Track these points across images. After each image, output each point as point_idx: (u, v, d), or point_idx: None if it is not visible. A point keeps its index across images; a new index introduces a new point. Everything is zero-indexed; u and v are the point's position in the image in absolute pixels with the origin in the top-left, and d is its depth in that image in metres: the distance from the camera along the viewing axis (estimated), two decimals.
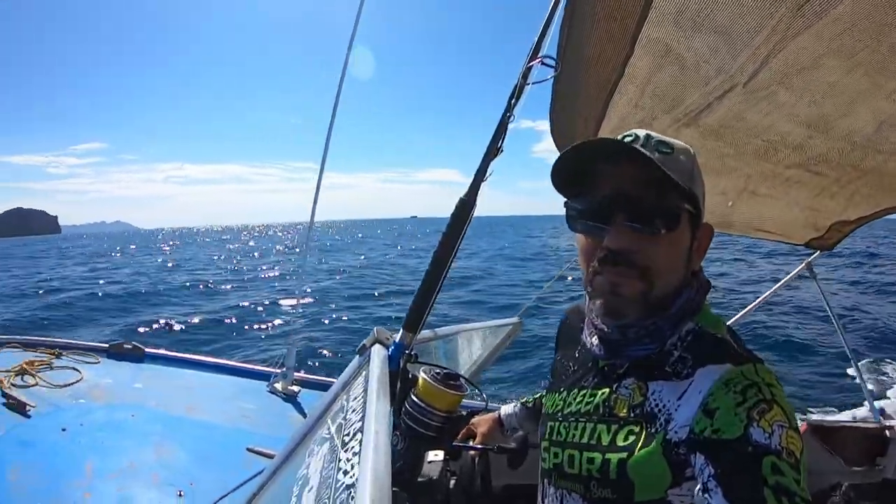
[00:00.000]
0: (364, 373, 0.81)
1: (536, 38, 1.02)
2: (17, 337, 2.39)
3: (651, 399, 0.67)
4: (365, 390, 0.73)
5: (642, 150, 0.65)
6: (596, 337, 0.75)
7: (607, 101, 1.20)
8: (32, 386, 1.85)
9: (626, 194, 0.67)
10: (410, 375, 0.89)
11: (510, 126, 0.96)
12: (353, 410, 0.73)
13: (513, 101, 0.97)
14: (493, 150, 0.95)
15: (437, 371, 0.84)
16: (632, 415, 0.68)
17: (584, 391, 0.77)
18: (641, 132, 0.70)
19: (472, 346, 1.89)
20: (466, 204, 0.92)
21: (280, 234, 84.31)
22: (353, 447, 0.61)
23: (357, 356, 0.91)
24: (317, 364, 6.59)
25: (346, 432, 0.68)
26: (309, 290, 12.66)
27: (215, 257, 30.60)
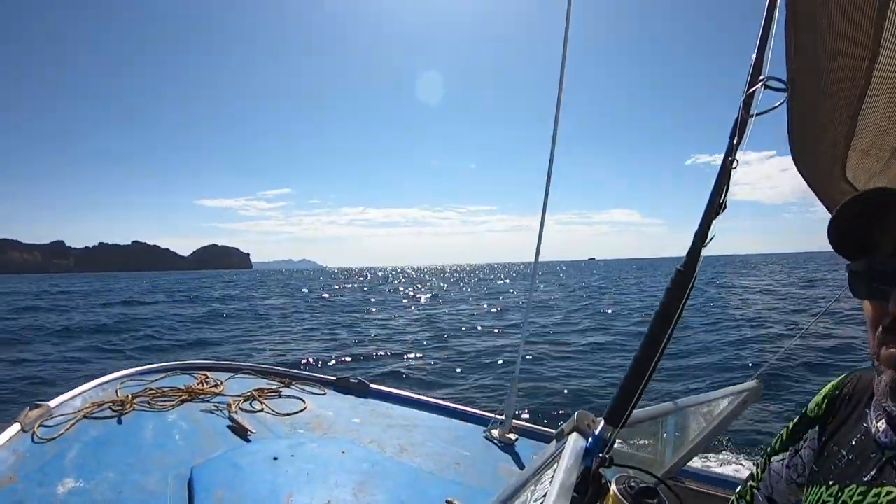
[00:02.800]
0: (555, 465, 0.74)
1: (754, 56, 0.81)
2: (253, 364, 2.56)
3: None
4: (550, 485, 0.67)
5: None
6: (883, 421, 0.64)
7: (856, 116, 0.92)
8: (258, 412, 1.95)
9: None
10: (603, 481, 0.78)
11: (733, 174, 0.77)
12: (538, 502, 0.68)
13: (734, 140, 0.78)
14: (714, 206, 0.77)
15: (633, 484, 0.73)
16: None
17: (863, 488, 0.63)
18: None
19: (694, 421, 1.65)
20: (685, 276, 0.76)
21: (466, 275, 79.79)
22: None
23: (555, 440, 0.84)
24: (536, 413, 5.85)
25: None
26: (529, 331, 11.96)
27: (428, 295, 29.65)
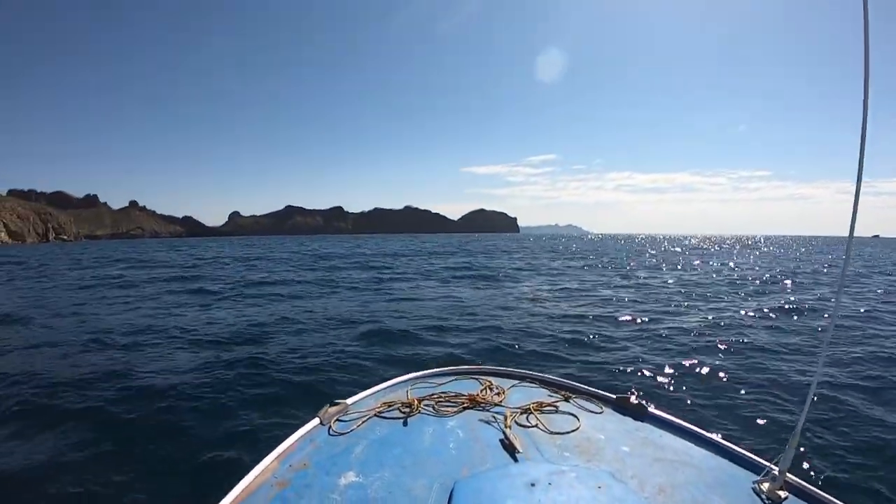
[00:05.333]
0: None
1: None
2: (538, 374, 2.44)
3: None
4: None
5: None
6: None
7: None
8: (532, 427, 1.88)
9: None
10: None
11: None
12: None
13: None
14: None
15: None
16: None
17: None
18: None
19: None
20: None
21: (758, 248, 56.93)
22: None
23: None
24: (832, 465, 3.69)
25: None
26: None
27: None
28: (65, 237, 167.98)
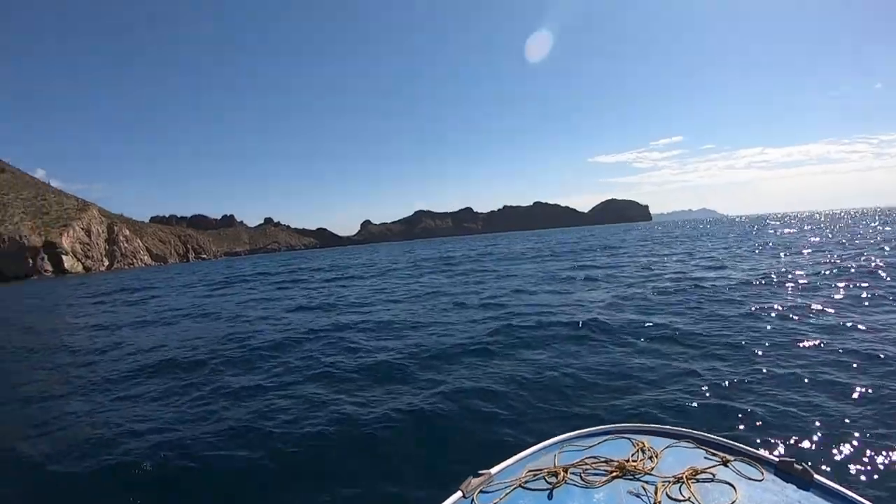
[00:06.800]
0: None
1: None
2: (695, 433, 2.23)
3: None
4: None
5: None
6: None
7: None
8: (684, 501, 1.73)
9: None
10: None
11: None
12: None
13: None
14: None
15: None
16: None
17: None
18: None
19: None
20: None
21: None
22: None
23: None
24: None
25: None
26: None
27: None
28: (204, 256, 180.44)
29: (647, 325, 8.04)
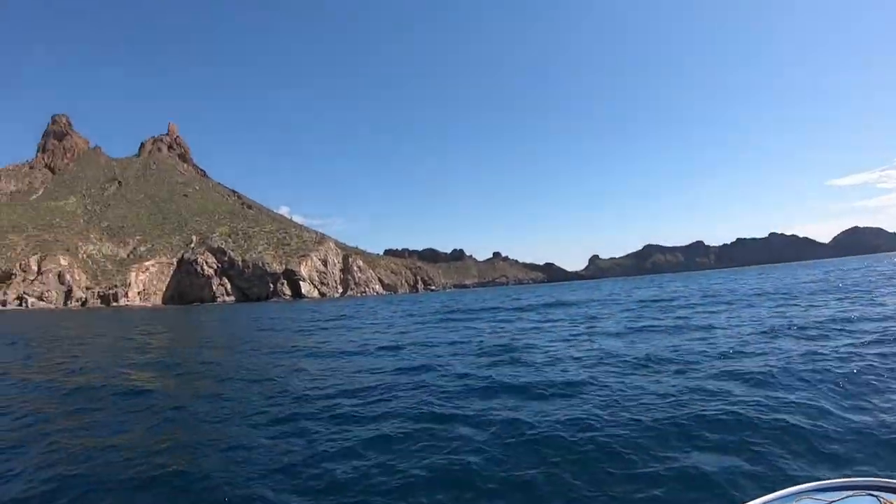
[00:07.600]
0: None
1: None
2: (879, 480, 2.08)
3: None
4: None
5: None
6: None
7: None
8: None
9: None
10: None
11: None
12: None
13: None
14: None
15: None
16: None
17: None
18: None
19: None
20: None
21: None
22: None
23: None
24: None
25: None
26: None
27: None
28: (433, 287, 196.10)
29: None
